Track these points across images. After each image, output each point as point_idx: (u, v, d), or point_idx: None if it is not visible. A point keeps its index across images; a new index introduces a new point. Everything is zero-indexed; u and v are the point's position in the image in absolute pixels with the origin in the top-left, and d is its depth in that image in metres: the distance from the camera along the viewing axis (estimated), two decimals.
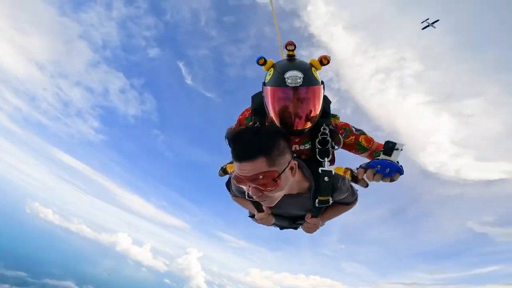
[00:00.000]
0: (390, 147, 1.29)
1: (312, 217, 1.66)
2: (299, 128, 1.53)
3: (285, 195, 1.41)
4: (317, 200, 1.52)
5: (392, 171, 1.29)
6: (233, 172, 1.38)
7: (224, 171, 2.22)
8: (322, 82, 1.55)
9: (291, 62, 1.53)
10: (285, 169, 1.27)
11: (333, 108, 1.73)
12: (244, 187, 1.32)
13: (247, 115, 1.78)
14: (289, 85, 1.44)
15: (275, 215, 1.79)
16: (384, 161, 1.29)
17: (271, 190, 1.27)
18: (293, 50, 1.60)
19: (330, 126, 1.65)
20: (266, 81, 1.56)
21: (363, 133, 1.75)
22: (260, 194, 1.28)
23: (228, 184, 1.88)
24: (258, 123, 1.68)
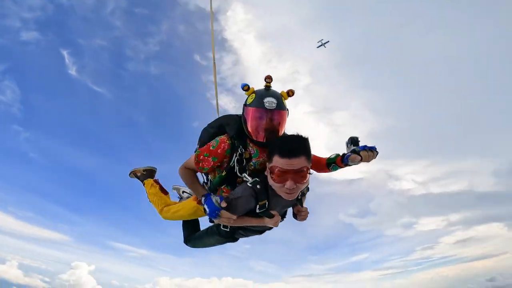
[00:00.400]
0: (357, 139, 2.08)
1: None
2: (268, 141, 1.97)
3: (280, 199, 1.92)
4: (300, 194, 2.04)
5: (374, 149, 2.01)
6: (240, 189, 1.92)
7: (134, 174, 3.14)
8: (287, 109, 2.05)
9: (268, 91, 2.00)
10: (309, 171, 1.80)
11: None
12: (278, 185, 1.78)
13: (226, 147, 2.02)
14: (267, 108, 1.91)
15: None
16: (365, 145, 2.01)
17: (303, 182, 1.77)
18: (270, 82, 2.02)
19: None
20: (248, 103, 2.00)
21: None
22: (295, 186, 1.74)
23: (191, 235, 2.72)
24: (241, 148, 2.02)
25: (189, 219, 2.70)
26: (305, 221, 2.22)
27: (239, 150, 2.01)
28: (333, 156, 2.20)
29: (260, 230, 2.32)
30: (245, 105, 2.04)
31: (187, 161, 2.17)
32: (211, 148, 2.03)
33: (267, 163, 1.86)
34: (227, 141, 2.02)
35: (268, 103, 1.91)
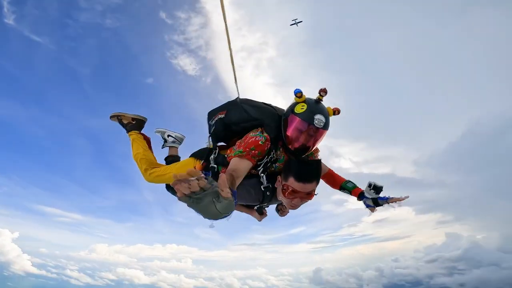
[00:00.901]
0: (381, 188, 2.15)
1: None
2: (305, 155, 2.06)
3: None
4: None
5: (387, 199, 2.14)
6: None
7: (118, 119, 2.81)
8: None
9: (318, 105, 1.96)
10: (315, 194, 2.00)
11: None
12: (286, 200, 1.94)
13: (267, 148, 1.98)
14: (315, 125, 1.89)
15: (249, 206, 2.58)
16: (386, 198, 2.11)
17: (310, 199, 1.98)
18: (323, 96, 1.97)
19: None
20: (297, 112, 1.93)
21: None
22: (301, 203, 1.97)
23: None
24: (273, 152, 2.03)
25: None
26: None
27: (272, 153, 2.03)
28: (350, 186, 2.35)
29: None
30: (292, 112, 1.97)
31: (232, 166, 1.84)
32: (259, 143, 1.95)
33: (281, 179, 1.96)
34: (269, 143, 1.99)
35: (318, 120, 1.90)
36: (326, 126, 1.94)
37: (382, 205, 2.13)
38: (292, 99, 2.02)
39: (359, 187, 2.32)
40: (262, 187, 2.01)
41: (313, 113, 1.90)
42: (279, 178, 1.99)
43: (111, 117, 2.85)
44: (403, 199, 2.07)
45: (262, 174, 2.01)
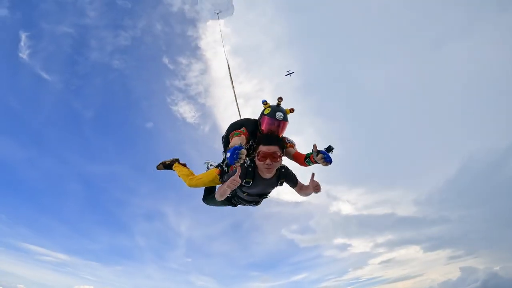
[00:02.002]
0: (331, 148, 2.80)
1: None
2: (280, 136, 3.09)
3: (264, 179, 2.97)
4: (279, 181, 3.11)
5: (329, 159, 2.73)
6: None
7: (163, 164, 4.16)
8: (288, 121, 3.11)
9: (278, 107, 3.09)
10: (281, 154, 2.85)
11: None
12: (261, 163, 2.79)
13: (247, 134, 3.06)
14: (277, 119, 3.01)
15: (251, 195, 3.17)
16: (327, 154, 2.74)
17: (277, 161, 2.82)
18: (281, 101, 3.06)
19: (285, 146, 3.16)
20: (266, 113, 3.05)
21: (292, 142, 3.29)
22: (271, 163, 2.78)
23: (208, 195, 3.69)
24: (252, 141, 3.13)
25: (209, 185, 3.63)
26: (317, 192, 2.90)
27: (251, 141, 3.11)
28: (309, 153, 3.07)
29: (253, 201, 3.33)
30: (262, 114, 3.10)
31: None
32: (241, 130, 3.04)
33: (256, 152, 2.87)
34: (247, 133, 3.07)
35: (278, 116, 3.01)
36: (285, 118, 3.05)
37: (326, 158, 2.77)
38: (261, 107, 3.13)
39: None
40: (245, 164, 2.90)
41: (275, 112, 3.02)
42: (256, 152, 2.88)
43: (157, 167, 4.15)
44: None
45: (246, 158, 2.87)
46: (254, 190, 3.09)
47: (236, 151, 2.44)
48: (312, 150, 2.79)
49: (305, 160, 3.01)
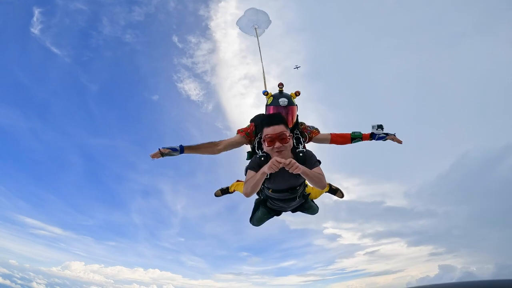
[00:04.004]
0: (381, 125, 3.04)
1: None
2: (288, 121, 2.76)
3: (281, 168, 2.32)
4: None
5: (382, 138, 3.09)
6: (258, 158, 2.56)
7: (221, 191, 3.91)
8: (296, 105, 2.83)
9: (281, 93, 2.82)
10: (289, 135, 2.49)
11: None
12: (269, 148, 2.46)
13: (252, 128, 2.94)
14: (281, 105, 2.73)
15: (277, 191, 2.77)
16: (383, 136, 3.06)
17: (286, 142, 2.45)
18: (282, 88, 2.83)
19: (300, 129, 2.97)
20: (268, 103, 2.82)
21: (317, 128, 3.09)
22: (281, 145, 2.43)
23: (253, 209, 3.28)
24: (260, 134, 2.76)
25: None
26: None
27: (259, 135, 2.78)
28: (358, 134, 3.13)
29: (287, 199, 2.86)
30: (266, 105, 2.85)
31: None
32: (245, 127, 2.99)
33: (261, 139, 2.59)
34: (252, 126, 2.92)
35: (282, 101, 2.73)
36: (290, 103, 2.76)
37: (390, 138, 3.08)
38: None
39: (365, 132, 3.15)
40: (257, 155, 2.62)
41: (277, 99, 2.77)
42: (262, 140, 2.60)
43: (216, 194, 3.91)
44: (399, 141, 3.09)
45: (258, 151, 2.73)
46: (277, 184, 2.73)
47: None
48: (380, 136, 3.06)
49: (353, 140, 3.11)
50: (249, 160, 2.73)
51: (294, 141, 2.76)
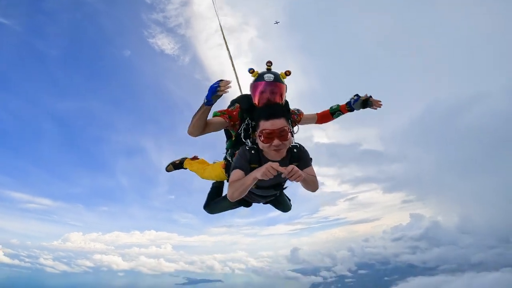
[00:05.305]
0: (356, 95, 2.80)
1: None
2: (276, 101, 2.40)
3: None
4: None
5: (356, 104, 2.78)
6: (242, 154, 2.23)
7: (172, 165, 3.62)
8: (286, 85, 2.49)
9: (269, 71, 2.47)
10: (290, 130, 2.17)
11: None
12: (266, 145, 2.11)
13: (238, 110, 2.54)
14: (266, 80, 2.39)
15: (262, 187, 2.50)
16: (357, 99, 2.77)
17: (286, 140, 2.12)
18: (270, 66, 2.50)
19: (290, 117, 2.48)
20: (253, 81, 2.48)
21: (300, 111, 2.84)
22: (280, 143, 2.09)
23: (211, 200, 3.17)
24: (248, 119, 2.50)
25: (215, 179, 3.14)
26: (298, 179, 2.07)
27: (246, 120, 2.50)
28: (334, 106, 2.93)
29: (269, 196, 2.71)
30: (251, 84, 2.51)
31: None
32: (228, 109, 2.57)
33: (256, 131, 2.20)
34: (238, 108, 2.55)
35: (267, 77, 2.40)
36: (276, 79, 2.41)
37: (369, 106, 2.79)
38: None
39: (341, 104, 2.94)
40: (246, 147, 2.29)
41: (262, 74, 2.43)
42: (256, 133, 2.22)
43: (167, 169, 3.67)
44: (379, 104, 2.79)
45: (246, 140, 2.43)
46: (263, 182, 2.23)
47: (213, 85, 2.10)
48: (355, 99, 2.80)
49: (334, 115, 2.93)
50: (230, 149, 2.68)
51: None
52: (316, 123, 3.00)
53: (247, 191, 2.11)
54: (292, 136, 2.30)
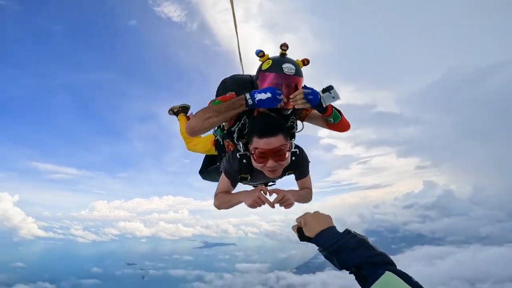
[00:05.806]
0: (328, 88, 1.91)
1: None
2: (289, 108, 1.98)
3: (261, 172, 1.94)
4: (286, 173, 2.14)
5: (313, 100, 1.87)
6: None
7: (172, 110, 3.68)
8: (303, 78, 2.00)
9: (285, 58, 1.95)
10: (289, 146, 1.84)
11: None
12: (260, 165, 1.84)
13: (233, 96, 2.00)
14: (286, 73, 1.87)
15: (255, 185, 2.34)
16: (315, 92, 1.89)
17: (284, 160, 1.83)
18: (285, 50, 1.96)
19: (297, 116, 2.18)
20: (264, 69, 1.94)
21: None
22: (276, 164, 1.81)
23: (204, 169, 2.90)
24: (245, 118, 2.02)
25: (204, 153, 2.98)
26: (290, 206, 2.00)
27: (242, 120, 2.02)
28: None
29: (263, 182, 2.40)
30: (260, 71, 1.99)
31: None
32: (227, 95, 2.05)
33: (249, 145, 1.88)
34: (233, 96, 2.01)
35: (287, 68, 1.88)
36: (298, 73, 1.93)
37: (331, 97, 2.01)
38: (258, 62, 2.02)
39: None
40: (238, 154, 1.97)
41: (280, 63, 1.90)
42: (249, 146, 1.91)
43: (168, 112, 3.67)
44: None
45: (239, 142, 2.01)
46: (255, 182, 2.28)
47: (273, 92, 1.81)
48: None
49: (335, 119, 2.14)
50: (222, 149, 2.36)
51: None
52: (319, 125, 2.33)
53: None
54: (293, 137, 2.12)
